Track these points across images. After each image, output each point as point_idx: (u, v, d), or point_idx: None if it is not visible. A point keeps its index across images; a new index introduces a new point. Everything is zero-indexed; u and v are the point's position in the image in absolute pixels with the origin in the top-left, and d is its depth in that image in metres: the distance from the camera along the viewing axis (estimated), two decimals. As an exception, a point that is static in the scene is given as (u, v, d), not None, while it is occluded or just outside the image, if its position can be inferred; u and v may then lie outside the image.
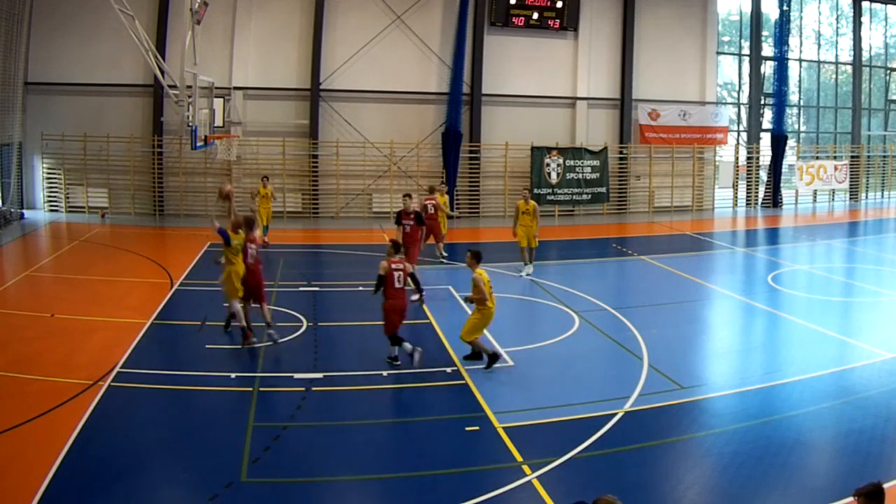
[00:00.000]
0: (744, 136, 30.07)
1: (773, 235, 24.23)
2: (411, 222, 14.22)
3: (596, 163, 26.34)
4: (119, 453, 7.54)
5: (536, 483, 7.06)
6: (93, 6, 21.36)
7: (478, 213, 25.87)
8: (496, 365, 10.23)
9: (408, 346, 10.20)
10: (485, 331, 10.63)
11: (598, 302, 13.86)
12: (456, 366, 10.25)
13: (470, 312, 10.53)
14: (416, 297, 11.69)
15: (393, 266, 10.25)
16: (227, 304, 11.28)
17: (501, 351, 10.70)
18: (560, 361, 10.78)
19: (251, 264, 11.13)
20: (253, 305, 11.31)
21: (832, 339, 11.77)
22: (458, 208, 24.67)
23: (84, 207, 23.65)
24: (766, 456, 7.58)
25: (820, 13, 31.09)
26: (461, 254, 17.75)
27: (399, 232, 14.22)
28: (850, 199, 31.56)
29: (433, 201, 17.34)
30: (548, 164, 25.79)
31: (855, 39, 31.32)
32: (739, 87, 30.05)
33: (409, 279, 10.61)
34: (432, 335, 11.84)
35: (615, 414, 8.64)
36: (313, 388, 9.42)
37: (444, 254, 17.62)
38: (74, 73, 23.11)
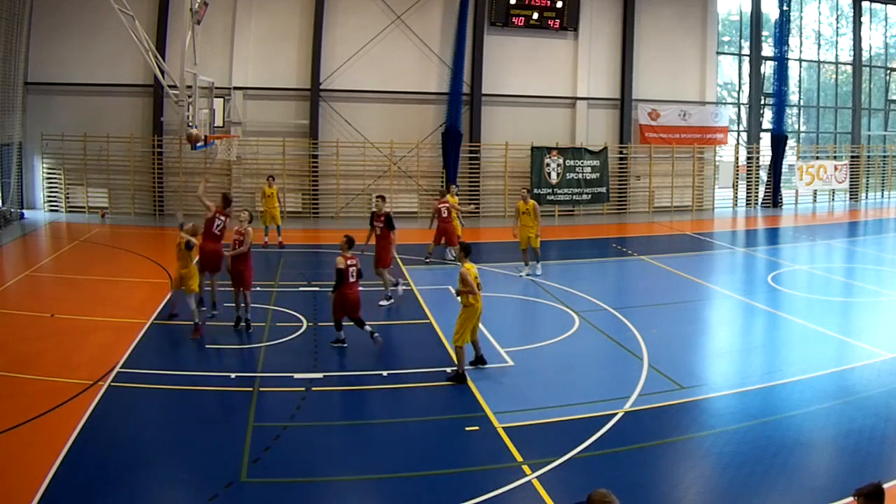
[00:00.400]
0: (744, 136, 30.07)
1: (773, 235, 24.23)
2: (382, 224, 13.85)
3: (596, 163, 26.33)
4: (119, 453, 7.54)
5: (536, 483, 7.06)
6: (93, 6, 21.34)
7: (478, 213, 25.86)
8: (488, 367, 10.23)
9: (341, 334, 10.97)
10: (484, 329, 10.62)
11: (598, 302, 13.86)
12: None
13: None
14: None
15: (349, 262, 10.78)
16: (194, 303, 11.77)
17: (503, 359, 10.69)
18: (560, 361, 10.78)
19: (216, 235, 11.85)
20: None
21: (832, 339, 11.77)
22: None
23: (84, 207, 23.65)
24: (766, 456, 7.59)
25: (820, 13, 31.09)
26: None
27: (371, 234, 13.98)
28: (850, 199, 31.55)
29: (446, 204, 17.17)
30: (548, 164, 25.79)
31: (855, 39, 31.31)
32: (739, 87, 30.05)
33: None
34: (432, 335, 11.84)
35: (615, 414, 8.64)
36: (313, 388, 9.42)
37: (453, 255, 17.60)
38: (74, 73, 23.11)
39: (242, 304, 11.84)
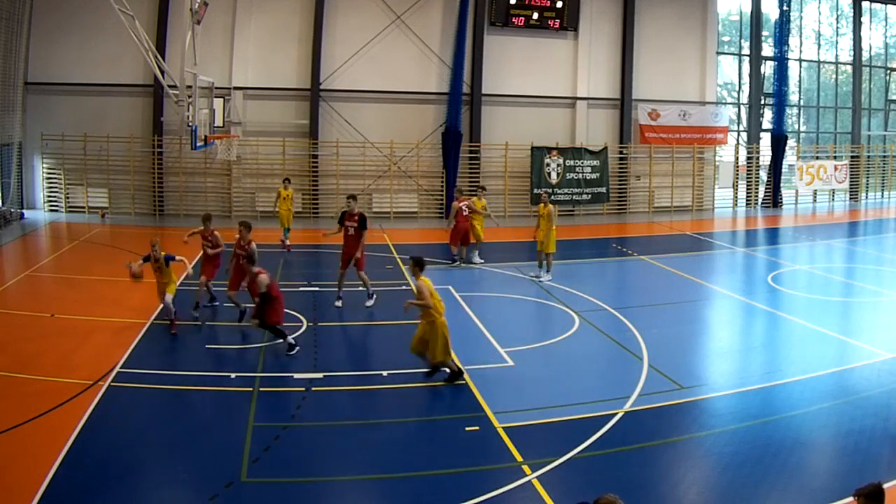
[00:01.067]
0: (744, 136, 30.07)
1: (773, 235, 24.23)
2: (355, 224, 13.36)
3: (596, 163, 26.34)
4: (119, 453, 7.54)
5: (536, 483, 7.06)
6: (93, 6, 21.33)
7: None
8: (494, 366, 10.22)
9: (291, 339, 10.73)
10: (484, 329, 10.60)
11: (598, 302, 13.86)
12: (456, 365, 10.24)
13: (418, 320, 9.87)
14: None
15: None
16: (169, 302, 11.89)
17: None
18: (560, 361, 10.79)
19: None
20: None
21: (832, 339, 11.77)
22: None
23: (84, 207, 23.65)
24: (766, 456, 7.59)
25: (820, 13, 31.09)
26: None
27: (342, 233, 13.53)
28: (850, 199, 31.56)
29: (466, 202, 17.00)
30: (548, 164, 25.80)
31: (855, 39, 31.32)
32: (739, 87, 30.05)
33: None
34: (432, 335, 11.82)
35: (615, 414, 8.64)
36: (313, 388, 9.42)
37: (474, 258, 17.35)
38: (74, 73, 23.11)
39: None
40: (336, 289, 13.60)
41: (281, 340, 10.68)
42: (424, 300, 9.43)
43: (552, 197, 25.61)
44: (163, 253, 11.68)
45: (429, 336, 9.55)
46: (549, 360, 10.83)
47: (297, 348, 10.68)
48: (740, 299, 14.47)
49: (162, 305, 11.87)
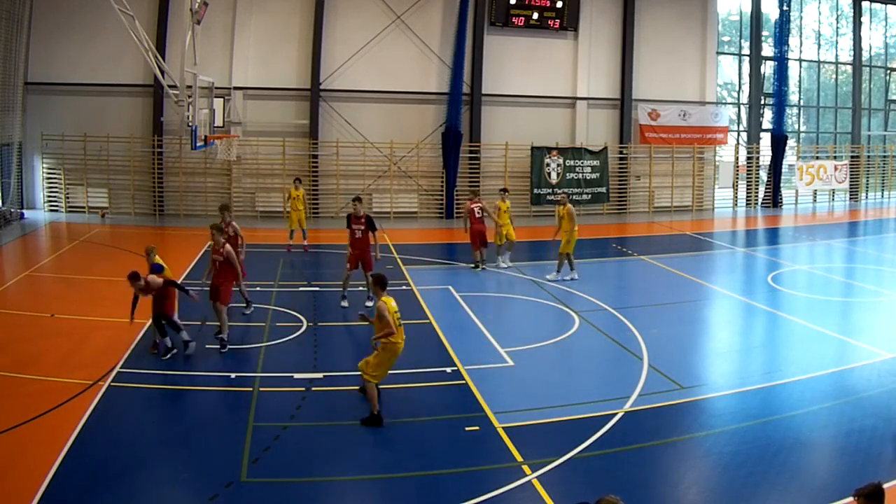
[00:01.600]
0: (744, 136, 30.07)
1: (773, 235, 24.23)
2: (362, 227, 13.30)
3: (596, 163, 26.34)
4: (119, 453, 7.54)
5: (536, 483, 7.06)
6: (93, 6, 21.36)
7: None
8: (492, 366, 10.22)
9: (168, 341, 10.56)
10: (484, 329, 10.57)
11: (598, 302, 13.85)
12: (456, 366, 10.25)
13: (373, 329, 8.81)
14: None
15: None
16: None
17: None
18: (560, 361, 10.79)
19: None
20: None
21: (832, 339, 11.77)
22: (457, 209, 24.67)
23: (84, 207, 23.65)
24: (766, 456, 7.59)
25: (820, 13, 31.09)
26: (463, 255, 17.78)
27: (349, 236, 13.44)
28: (850, 199, 31.55)
29: (479, 205, 16.77)
30: (548, 164, 25.80)
31: (855, 39, 31.32)
32: (739, 87, 30.05)
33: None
34: (432, 335, 11.83)
35: (615, 414, 8.64)
36: (313, 388, 9.42)
37: (483, 261, 16.92)
38: (74, 73, 23.11)
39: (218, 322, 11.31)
40: (341, 289, 13.60)
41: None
42: (388, 328, 8.37)
43: (551, 196, 25.70)
44: (157, 259, 11.15)
45: (381, 357, 8.66)
46: (549, 360, 10.83)
47: (192, 343, 10.64)
48: (740, 299, 14.47)
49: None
